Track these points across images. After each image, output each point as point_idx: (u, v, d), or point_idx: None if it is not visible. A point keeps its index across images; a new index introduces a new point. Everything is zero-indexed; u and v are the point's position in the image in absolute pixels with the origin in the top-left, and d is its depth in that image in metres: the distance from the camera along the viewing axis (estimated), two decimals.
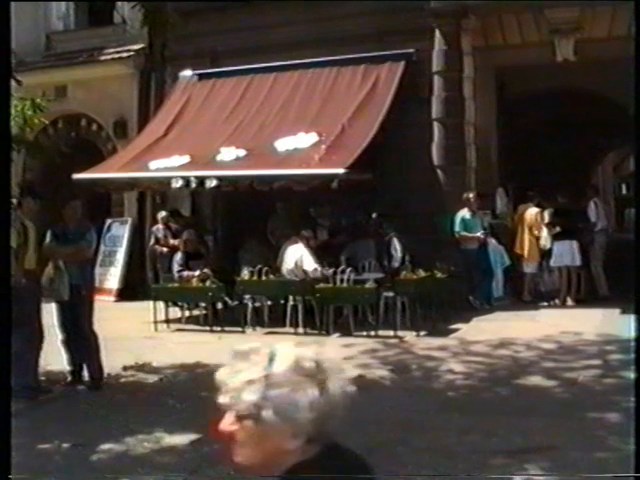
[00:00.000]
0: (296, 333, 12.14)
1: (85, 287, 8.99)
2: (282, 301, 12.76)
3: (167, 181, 13.62)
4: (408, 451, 6.39)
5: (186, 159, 13.83)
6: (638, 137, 7.03)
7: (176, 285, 13.22)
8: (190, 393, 8.56)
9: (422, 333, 11.63)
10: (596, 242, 14.07)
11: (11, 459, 4.56)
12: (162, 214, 15.76)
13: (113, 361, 9.43)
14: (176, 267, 13.57)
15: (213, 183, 13.11)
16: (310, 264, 12.68)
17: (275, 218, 15.07)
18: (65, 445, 6.73)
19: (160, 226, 15.62)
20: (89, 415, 7.85)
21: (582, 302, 13.51)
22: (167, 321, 13.01)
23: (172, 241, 15.05)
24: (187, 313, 13.46)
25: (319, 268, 12.69)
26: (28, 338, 8.14)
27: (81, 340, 9.00)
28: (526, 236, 14.25)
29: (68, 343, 9.07)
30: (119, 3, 15.21)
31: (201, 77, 16.29)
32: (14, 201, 7.85)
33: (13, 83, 7.59)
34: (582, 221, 14.07)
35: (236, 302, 12.96)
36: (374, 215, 14.36)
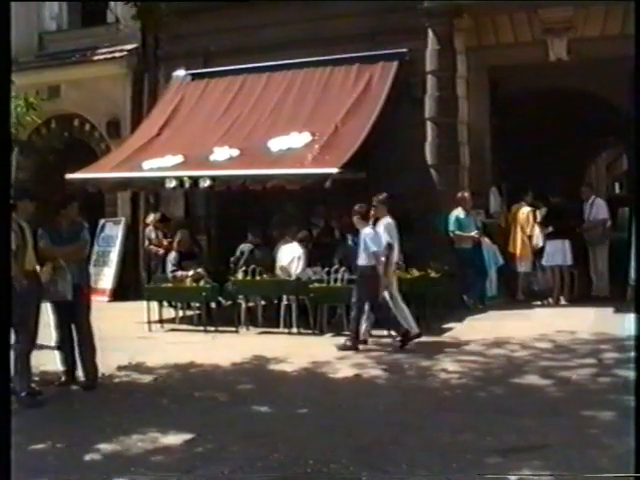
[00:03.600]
0: (290, 333, 12.15)
1: (85, 286, 8.99)
2: (276, 301, 12.77)
3: (161, 181, 13.61)
4: (402, 450, 6.39)
5: (179, 159, 13.82)
6: (638, 135, 7.05)
7: (170, 285, 13.21)
8: (184, 393, 8.57)
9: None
10: (606, 239, 14.04)
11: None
12: (150, 217, 15.81)
13: (107, 361, 9.43)
14: (170, 267, 13.57)
15: (207, 183, 13.10)
16: (301, 267, 12.64)
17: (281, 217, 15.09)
18: (59, 445, 6.72)
19: (152, 227, 15.65)
20: (83, 415, 7.84)
21: (575, 301, 13.53)
22: (161, 321, 13.01)
23: (159, 249, 15.12)
24: (181, 313, 13.45)
25: (310, 272, 12.68)
26: (26, 339, 8.13)
27: (79, 340, 8.98)
28: (519, 235, 14.28)
29: (64, 343, 9.04)
30: (112, 2, 15.22)
31: (194, 77, 16.28)
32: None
33: None
34: (575, 219, 14.06)
35: (230, 302, 12.97)
36: None
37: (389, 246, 10.96)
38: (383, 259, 10.85)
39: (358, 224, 11.13)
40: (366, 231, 10.93)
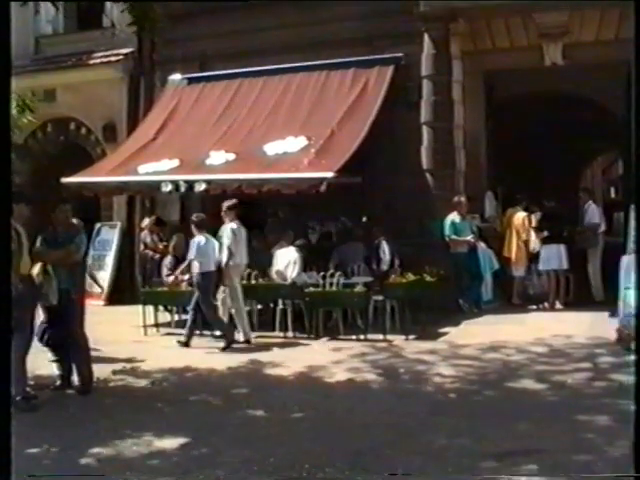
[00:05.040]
0: (285, 337, 12.14)
1: (75, 291, 8.94)
2: (271, 305, 12.76)
3: (156, 185, 13.59)
4: (397, 454, 6.38)
5: (175, 163, 13.82)
6: (638, 138, 7.03)
7: (165, 289, 13.20)
8: (179, 397, 8.56)
9: (411, 337, 11.64)
10: (599, 244, 14.04)
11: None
12: (145, 222, 15.79)
13: (103, 365, 9.41)
14: (165, 271, 13.57)
15: (202, 187, 13.09)
16: (296, 271, 12.64)
17: (274, 222, 15.08)
18: (54, 449, 6.71)
19: (148, 231, 15.62)
20: (78, 419, 7.82)
21: (571, 305, 13.54)
22: (156, 325, 13.00)
23: (155, 253, 15.11)
24: (176, 317, 13.44)
25: (305, 276, 12.68)
26: (22, 343, 8.11)
27: (71, 344, 8.96)
28: (514, 240, 14.28)
29: (58, 348, 9.02)
30: (108, 7, 15.20)
31: (190, 81, 16.28)
32: None
33: None
34: (570, 224, 14.08)
35: None
36: (363, 219, 14.37)
37: (229, 251, 11.65)
38: (224, 261, 11.63)
39: (194, 232, 11.80)
40: (197, 239, 11.64)
